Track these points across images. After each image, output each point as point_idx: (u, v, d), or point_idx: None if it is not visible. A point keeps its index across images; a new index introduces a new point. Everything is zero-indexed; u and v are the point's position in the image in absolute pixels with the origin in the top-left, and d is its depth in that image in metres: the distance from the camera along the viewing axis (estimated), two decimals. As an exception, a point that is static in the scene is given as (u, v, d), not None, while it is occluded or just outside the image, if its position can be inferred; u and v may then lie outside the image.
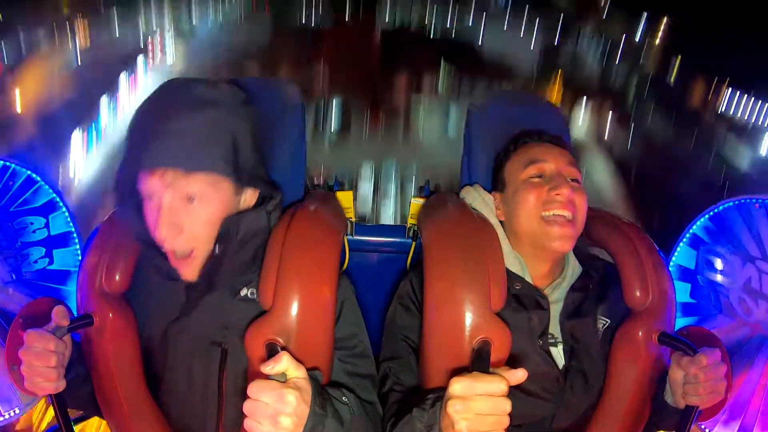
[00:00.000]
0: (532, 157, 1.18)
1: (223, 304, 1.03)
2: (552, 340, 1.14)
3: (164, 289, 1.06)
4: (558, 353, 1.14)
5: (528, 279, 1.16)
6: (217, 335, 1.02)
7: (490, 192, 1.26)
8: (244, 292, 1.04)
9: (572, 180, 1.16)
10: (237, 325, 1.01)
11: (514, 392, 0.80)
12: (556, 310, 1.16)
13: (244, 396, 0.78)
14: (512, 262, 1.16)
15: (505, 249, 1.15)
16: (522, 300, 1.14)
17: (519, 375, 0.80)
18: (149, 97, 0.99)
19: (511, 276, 1.13)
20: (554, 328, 1.15)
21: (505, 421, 0.77)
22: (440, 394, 0.85)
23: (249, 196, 1.04)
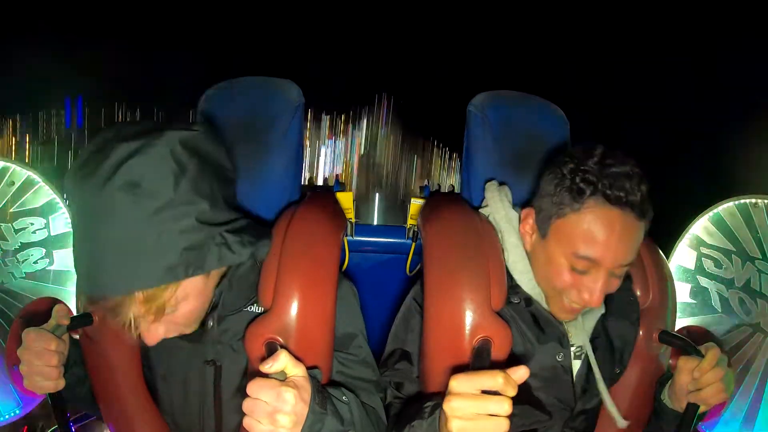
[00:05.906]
0: (590, 249, 0.94)
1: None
2: (580, 353, 1.08)
3: None
4: (578, 365, 1.08)
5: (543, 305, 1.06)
6: (210, 353, 1.00)
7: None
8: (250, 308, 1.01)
9: (619, 267, 0.96)
10: (230, 339, 1.00)
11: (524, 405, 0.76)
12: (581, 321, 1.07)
13: (242, 401, 0.77)
14: (529, 286, 1.07)
15: (525, 269, 1.06)
16: (539, 321, 1.06)
17: (521, 373, 0.74)
18: (76, 174, 0.78)
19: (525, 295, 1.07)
20: (578, 339, 1.07)
21: (504, 424, 0.72)
22: (438, 401, 0.82)
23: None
